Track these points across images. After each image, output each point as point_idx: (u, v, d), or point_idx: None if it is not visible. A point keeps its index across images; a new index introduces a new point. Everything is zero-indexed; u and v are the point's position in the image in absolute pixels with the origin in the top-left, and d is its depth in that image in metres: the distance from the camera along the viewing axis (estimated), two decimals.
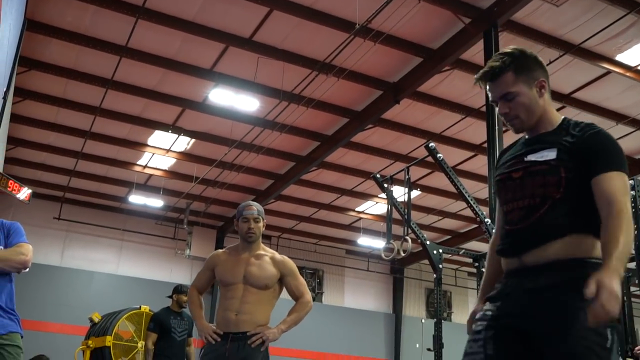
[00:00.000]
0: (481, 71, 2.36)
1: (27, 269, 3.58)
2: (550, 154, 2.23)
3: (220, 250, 4.30)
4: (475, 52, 9.72)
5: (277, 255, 4.12)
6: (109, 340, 8.45)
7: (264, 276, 3.98)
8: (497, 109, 2.38)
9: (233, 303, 3.92)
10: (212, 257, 4.21)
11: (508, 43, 9.56)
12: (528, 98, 2.29)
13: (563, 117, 2.36)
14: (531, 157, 2.28)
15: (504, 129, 9.84)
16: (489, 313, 2.27)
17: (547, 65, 9.87)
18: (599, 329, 2.00)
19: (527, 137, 2.40)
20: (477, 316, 2.31)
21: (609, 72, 10.30)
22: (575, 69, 10.27)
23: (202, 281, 4.23)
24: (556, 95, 11.00)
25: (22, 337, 3.57)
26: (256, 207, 4.13)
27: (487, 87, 2.36)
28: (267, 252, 4.13)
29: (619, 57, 9.92)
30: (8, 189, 8.78)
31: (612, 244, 2.01)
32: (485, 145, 9.41)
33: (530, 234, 2.21)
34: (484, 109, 9.27)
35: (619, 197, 2.10)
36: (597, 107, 11.39)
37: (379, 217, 16.70)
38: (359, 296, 20.26)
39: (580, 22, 9.18)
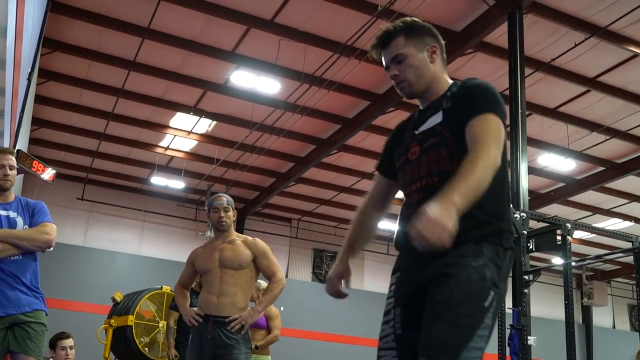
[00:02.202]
0: (375, 38, 2.35)
1: (51, 248, 3.64)
2: (437, 119, 2.20)
3: (198, 246, 4.58)
4: (499, 35, 9.58)
5: (249, 238, 4.41)
6: (130, 320, 8.56)
7: (237, 258, 4.24)
8: (388, 74, 2.34)
9: (214, 287, 4.19)
10: (191, 254, 4.52)
11: (532, 25, 9.41)
12: (417, 60, 2.27)
13: (452, 81, 2.31)
14: (422, 128, 2.25)
15: (527, 112, 9.71)
16: (393, 288, 2.24)
17: (573, 48, 9.59)
18: (483, 283, 1.95)
19: (420, 108, 2.36)
20: (388, 294, 2.26)
21: (635, 55, 10.11)
22: (600, 52, 10.09)
23: (185, 277, 4.53)
24: (581, 79, 10.83)
25: (46, 314, 3.64)
26: (225, 197, 4.48)
27: (382, 56, 2.34)
28: (239, 237, 4.41)
29: None
30: (33, 169, 8.86)
31: (459, 177, 1.90)
32: (508, 129, 9.30)
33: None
34: (507, 92, 9.15)
35: (487, 139, 2.01)
36: (623, 90, 11.19)
37: (400, 201, 16.59)
38: (378, 280, 20.23)
39: (607, 4, 8.99)
